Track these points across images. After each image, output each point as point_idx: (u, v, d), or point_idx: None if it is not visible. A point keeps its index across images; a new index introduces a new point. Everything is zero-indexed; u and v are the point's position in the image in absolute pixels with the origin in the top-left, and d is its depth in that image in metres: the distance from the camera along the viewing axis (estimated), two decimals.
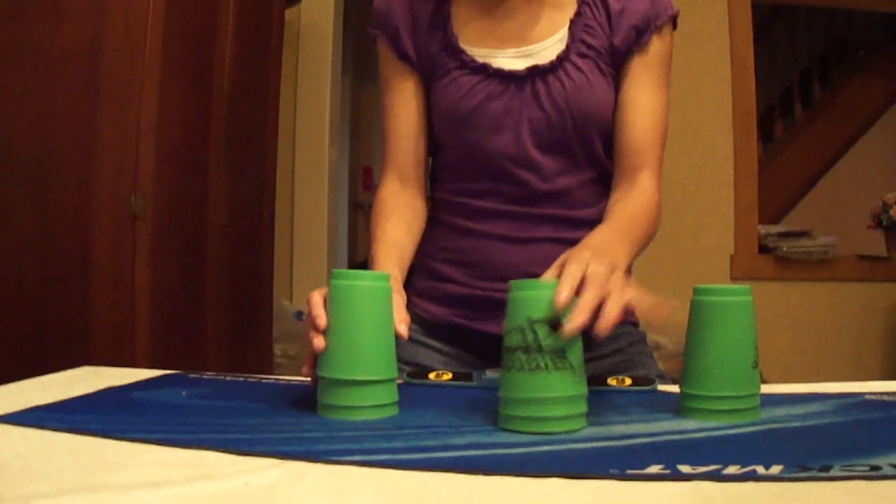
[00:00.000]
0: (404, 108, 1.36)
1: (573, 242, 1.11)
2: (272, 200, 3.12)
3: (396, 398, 0.94)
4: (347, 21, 4.07)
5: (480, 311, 1.32)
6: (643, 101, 1.29)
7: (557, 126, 1.27)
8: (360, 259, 6.18)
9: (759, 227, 3.82)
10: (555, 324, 0.83)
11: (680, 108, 3.84)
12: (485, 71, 1.28)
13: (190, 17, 2.38)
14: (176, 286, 2.35)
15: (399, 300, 1.08)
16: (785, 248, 3.74)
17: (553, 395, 0.83)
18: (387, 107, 1.38)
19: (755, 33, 3.85)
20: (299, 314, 3.45)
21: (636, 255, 1.18)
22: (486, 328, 1.30)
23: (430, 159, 1.42)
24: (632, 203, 1.25)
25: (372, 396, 0.92)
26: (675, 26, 1.32)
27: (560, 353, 0.83)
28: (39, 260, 2.05)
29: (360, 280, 0.94)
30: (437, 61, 1.32)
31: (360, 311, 0.93)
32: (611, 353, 1.33)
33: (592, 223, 1.23)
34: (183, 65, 2.34)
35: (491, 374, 1.12)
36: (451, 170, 1.38)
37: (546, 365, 0.83)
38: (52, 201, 2.06)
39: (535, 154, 1.28)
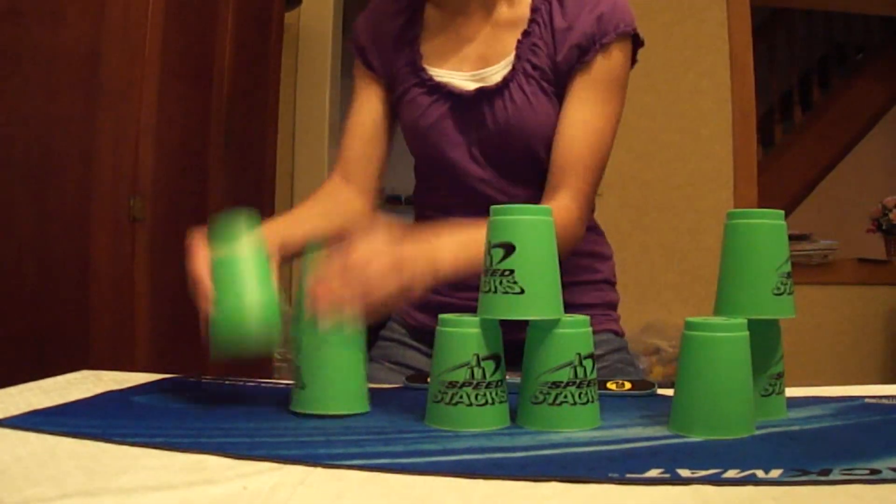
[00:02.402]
0: (361, 112, 1.41)
1: None
2: (272, 203, 3.12)
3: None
4: (347, 24, 4.07)
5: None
6: (576, 118, 1.27)
7: (502, 145, 1.30)
8: None
9: None
10: None
11: (679, 112, 3.85)
12: (440, 91, 1.33)
13: (189, 20, 2.38)
14: (175, 288, 2.34)
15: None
16: None
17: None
18: (349, 111, 1.44)
19: (754, 37, 3.85)
20: None
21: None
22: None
23: (383, 166, 1.45)
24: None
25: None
26: (638, 42, 1.30)
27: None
28: (39, 262, 2.05)
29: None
30: (400, 77, 1.37)
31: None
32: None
33: None
34: (182, 67, 2.34)
35: (510, 378, 1.13)
36: (424, 183, 1.45)
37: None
38: (51, 203, 2.06)
39: (489, 171, 1.33)
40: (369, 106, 1.41)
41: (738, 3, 3.75)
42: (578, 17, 1.26)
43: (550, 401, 0.88)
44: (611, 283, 1.44)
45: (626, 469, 0.70)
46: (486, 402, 0.88)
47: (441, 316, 0.92)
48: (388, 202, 6.27)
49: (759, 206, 3.78)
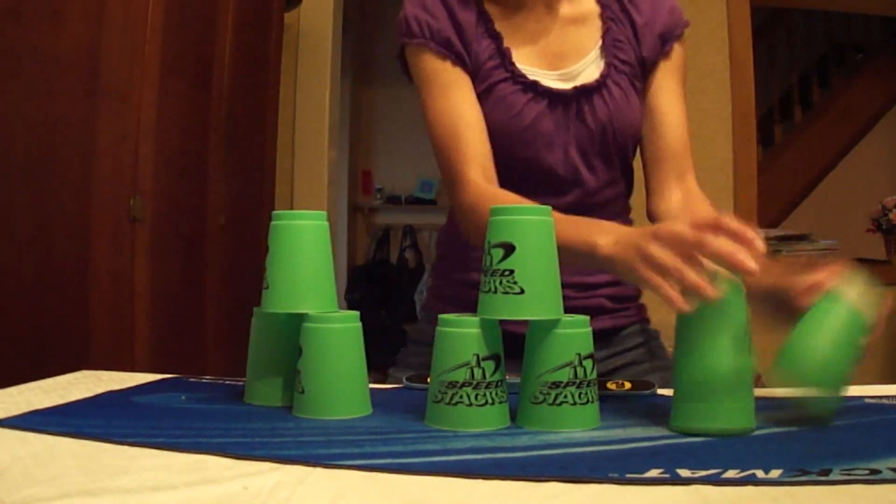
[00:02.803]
0: (468, 104, 1.29)
1: None
2: (271, 203, 3.12)
3: None
4: (347, 24, 4.07)
5: None
6: (675, 106, 1.35)
7: (599, 142, 1.31)
8: (359, 263, 6.18)
9: (759, 230, 3.81)
10: None
11: None
12: (534, 89, 1.29)
13: (189, 21, 2.38)
14: (175, 288, 2.35)
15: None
16: (784, 252, 3.74)
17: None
18: (446, 107, 1.29)
19: (754, 37, 3.85)
20: None
21: None
22: (516, 329, 1.28)
23: None
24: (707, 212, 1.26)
25: None
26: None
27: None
28: (39, 262, 2.05)
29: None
30: (486, 71, 1.29)
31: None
32: (634, 347, 1.40)
33: None
34: (182, 68, 2.34)
35: (510, 378, 1.13)
36: (503, 183, 1.29)
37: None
38: (51, 204, 2.06)
39: (582, 169, 1.32)
40: (471, 96, 1.29)
41: (738, 3, 3.75)
42: (653, 11, 1.34)
43: (550, 401, 0.88)
44: None
45: (627, 469, 0.70)
46: (487, 402, 0.88)
47: (441, 316, 0.92)
48: (388, 202, 6.28)
49: (759, 206, 3.79)
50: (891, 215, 3.79)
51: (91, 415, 0.94)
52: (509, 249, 0.89)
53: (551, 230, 0.93)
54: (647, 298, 1.43)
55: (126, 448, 0.78)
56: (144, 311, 2.13)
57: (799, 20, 5.94)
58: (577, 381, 0.88)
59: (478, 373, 0.88)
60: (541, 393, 0.88)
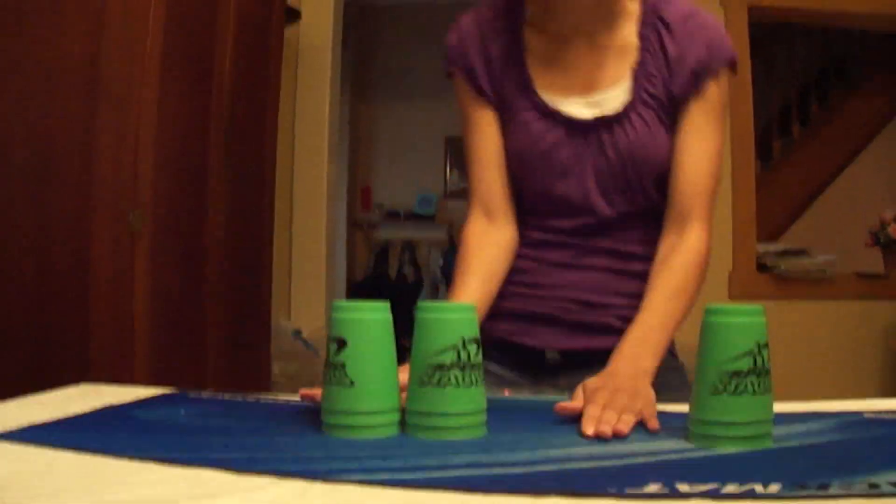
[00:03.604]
0: (485, 140, 1.37)
1: (625, 273, 1.33)
2: (271, 218, 3.12)
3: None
4: (346, 39, 4.08)
5: (519, 325, 1.38)
6: (697, 147, 1.30)
7: (619, 173, 1.31)
8: (359, 278, 6.18)
9: (758, 245, 3.82)
10: None
11: None
12: (554, 117, 1.31)
13: (189, 33, 2.39)
14: (174, 303, 2.35)
15: None
16: (783, 267, 3.74)
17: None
18: (469, 141, 1.40)
19: (752, 52, 3.86)
20: (297, 333, 3.45)
21: (678, 325, 1.25)
22: (523, 341, 1.37)
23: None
24: (679, 267, 1.28)
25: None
26: (734, 70, 1.34)
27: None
28: (39, 271, 2.05)
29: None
30: (510, 100, 1.35)
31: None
32: None
33: (642, 257, 1.33)
34: (182, 79, 2.35)
35: (510, 394, 1.15)
36: (522, 206, 1.41)
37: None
38: (51, 213, 2.06)
39: (597, 199, 1.32)
40: (490, 131, 1.37)
41: (735, 19, 3.77)
42: (690, 44, 1.29)
43: (435, 382, 0.91)
44: None
45: (626, 484, 0.70)
46: (472, 384, 0.92)
47: (422, 303, 0.95)
48: (388, 217, 6.28)
49: (757, 221, 3.79)
50: (889, 229, 3.80)
51: (90, 429, 0.94)
52: (342, 344, 0.93)
53: (386, 326, 0.96)
54: None
55: (125, 462, 0.78)
56: (144, 322, 2.13)
57: (797, 36, 5.96)
58: (461, 363, 0.91)
59: (464, 355, 0.92)
60: (427, 375, 0.92)
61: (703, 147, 1.31)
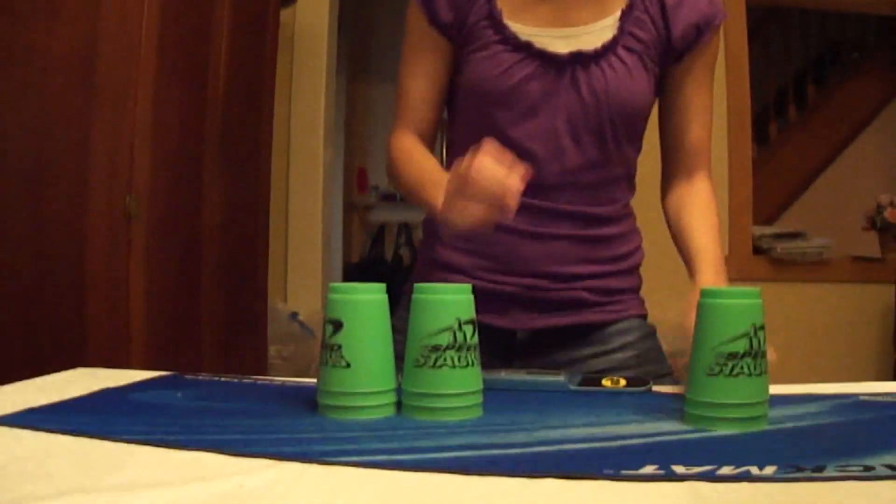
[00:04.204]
0: (425, 74, 1.31)
1: (592, 240, 1.27)
2: (266, 201, 3.11)
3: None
4: (342, 21, 4.07)
5: (487, 304, 1.25)
6: (701, 102, 1.32)
7: (593, 117, 1.24)
8: (354, 260, 6.18)
9: (754, 228, 3.82)
10: None
11: None
12: (527, 49, 1.23)
13: (185, 19, 2.38)
14: (171, 287, 2.35)
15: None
16: (779, 250, 3.74)
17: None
18: (406, 70, 1.33)
19: (749, 35, 3.85)
20: (294, 315, 3.45)
21: None
22: (492, 321, 1.27)
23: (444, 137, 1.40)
24: (706, 209, 1.30)
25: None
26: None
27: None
28: (35, 260, 2.04)
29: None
30: (476, 32, 1.25)
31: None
32: (621, 347, 1.32)
33: (612, 220, 1.30)
34: (178, 66, 2.34)
35: (506, 374, 1.14)
36: (465, 150, 1.25)
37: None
38: (46, 202, 2.05)
39: (566, 140, 1.25)
40: (432, 70, 1.31)
41: (733, 2, 3.75)
42: None
43: (431, 364, 0.91)
44: (638, 267, 1.42)
45: (621, 466, 0.70)
46: (468, 364, 0.92)
47: (417, 284, 0.94)
48: (384, 199, 6.27)
49: (754, 204, 3.79)
50: (885, 213, 3.80)
51: (87, 412, 0.94)
52: (338, 326, 0.93)
53: (382, 308, 0.96)
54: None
55: (122, 445, 0.78)
56: (140, 309, 2.13)
57: (794, 19, 5.94)
58: (458, 344, 0.92)
59: (460, 336, 0.92)
60: (422, 356, 0.92)
61: (705, 103, 1.32)
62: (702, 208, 1.30)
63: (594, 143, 1.26)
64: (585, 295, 1.30)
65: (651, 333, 1.37)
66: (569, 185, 1.27)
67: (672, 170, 1.35)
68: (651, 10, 1.25)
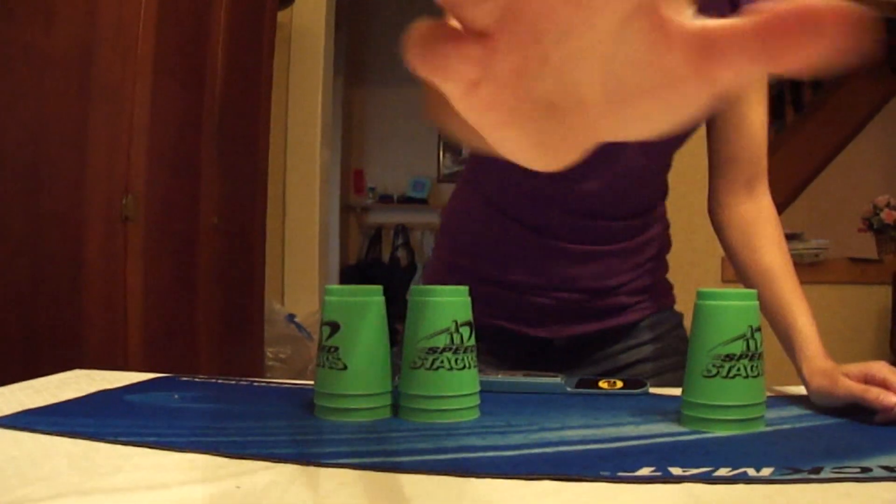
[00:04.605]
0: None
1: (636, 249, 1.27)
2: (264, 203, 3.11)
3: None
4: (339, 23, 4.07)
5: (523, 315, 1.29)
6: (756, 115, 1.26)
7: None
8: (351, 262, 6.18)
9: None
10: None
11: None
12: None
13: (182, 20, 2.38)
14: (167, 288, 2.35)
15: None
16: None
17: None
18: None
19: None
20: (290, 316, 3.45)
21: None
22: (528, 332, 1.29)
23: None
24: (775, 233, 1.29)
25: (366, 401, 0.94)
26: None
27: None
28: (31, 262, 2.04)
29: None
30: None
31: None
32: (651, 340, 1.32)
33: (653, 223, 1.30)
34: (175, 67, 2.34)
35: (503, 376, 1.14)
36: (478, 175, 1.31)
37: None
38: (44, 203, 2.05)
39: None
40: None
41: None
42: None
43: (428, 365, 0.91)
44: (667, 250, 1.40)
45: (618, 467, 0.70)
46: (465, 367, 0.92)
47: (415, 287, 0.95)
48: (381, 201, 6.27)
49: None
50: (882, 214, 3.81)
51: (83, 414, 0.94)
52: (335, 328, 0.93)
53: (379, 310, 0.96)
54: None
55: (119, 447, 0.78)
56: (137, 310, 2.13)
57: None
58: (454, 346, 0.92)
59: (457, 338, 0.92)
60: (419, 358, 0.92)
61: (761, 117, 1.26)
62: (779, 243, 1.26)
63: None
64: (624, 300, 1.30)
65: (679, 324, 1.36)
66: (620, 202, 1.26)
67: (728, 180, 1.29)
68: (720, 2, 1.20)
